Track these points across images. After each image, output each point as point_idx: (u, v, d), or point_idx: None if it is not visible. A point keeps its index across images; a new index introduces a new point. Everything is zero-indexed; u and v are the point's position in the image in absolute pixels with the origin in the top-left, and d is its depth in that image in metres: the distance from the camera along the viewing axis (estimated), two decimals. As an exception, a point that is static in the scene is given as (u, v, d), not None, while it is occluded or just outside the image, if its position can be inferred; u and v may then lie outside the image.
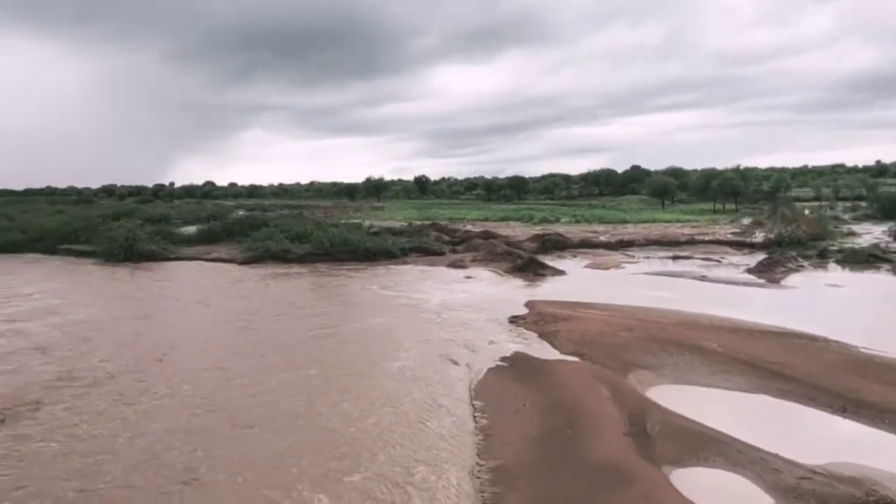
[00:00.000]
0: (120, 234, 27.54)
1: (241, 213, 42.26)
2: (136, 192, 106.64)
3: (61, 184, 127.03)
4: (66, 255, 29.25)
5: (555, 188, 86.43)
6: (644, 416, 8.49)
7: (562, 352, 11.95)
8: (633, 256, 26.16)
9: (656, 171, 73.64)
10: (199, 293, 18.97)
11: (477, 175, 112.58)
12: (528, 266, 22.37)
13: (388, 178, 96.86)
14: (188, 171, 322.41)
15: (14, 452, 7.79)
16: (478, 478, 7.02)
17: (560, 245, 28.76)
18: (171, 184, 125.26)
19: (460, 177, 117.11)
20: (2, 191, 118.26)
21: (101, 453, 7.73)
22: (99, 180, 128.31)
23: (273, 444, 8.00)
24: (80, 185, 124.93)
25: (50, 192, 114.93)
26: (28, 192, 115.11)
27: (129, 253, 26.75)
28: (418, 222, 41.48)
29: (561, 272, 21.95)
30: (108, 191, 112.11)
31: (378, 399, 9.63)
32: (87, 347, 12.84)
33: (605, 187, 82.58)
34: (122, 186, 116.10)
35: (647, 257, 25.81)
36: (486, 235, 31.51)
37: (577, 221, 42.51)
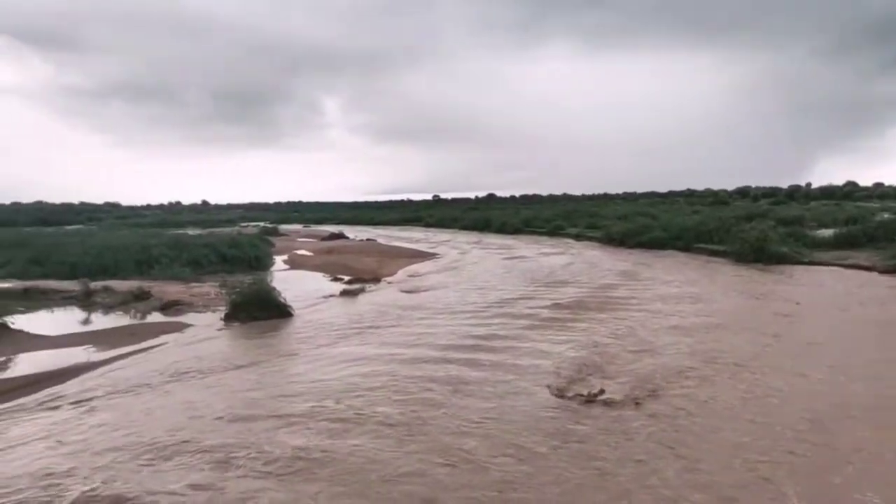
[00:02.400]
0: (751, 236, 27.84)
1: (885, 216, 37.74)
2: (770, 193, 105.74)
3: (699, 186, 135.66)
4: (699, 253, 31.17)
5: None
6: None
7: None
8: None
9: None
10: (831, 299, 17.76)
11: None
12: None
13: None
14: (827, 172, 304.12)
15: (685, 407, 8.87)
16: None
17: None
18: (808, 184, 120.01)
19: None
20: (648, 193, 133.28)
21: (764, 415, 8.48)
22: (734, 182, 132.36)
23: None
24: (715, 186, 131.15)
25: (689, 194, 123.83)
26: (670, 194, 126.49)
27: (759, 254, 26.79)
28: None
29: None
30: (742, 192, 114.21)
31: None
32: (720, 334, 13.53)
33: None
34: (756, 188, 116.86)
35: None
36: None
37: None
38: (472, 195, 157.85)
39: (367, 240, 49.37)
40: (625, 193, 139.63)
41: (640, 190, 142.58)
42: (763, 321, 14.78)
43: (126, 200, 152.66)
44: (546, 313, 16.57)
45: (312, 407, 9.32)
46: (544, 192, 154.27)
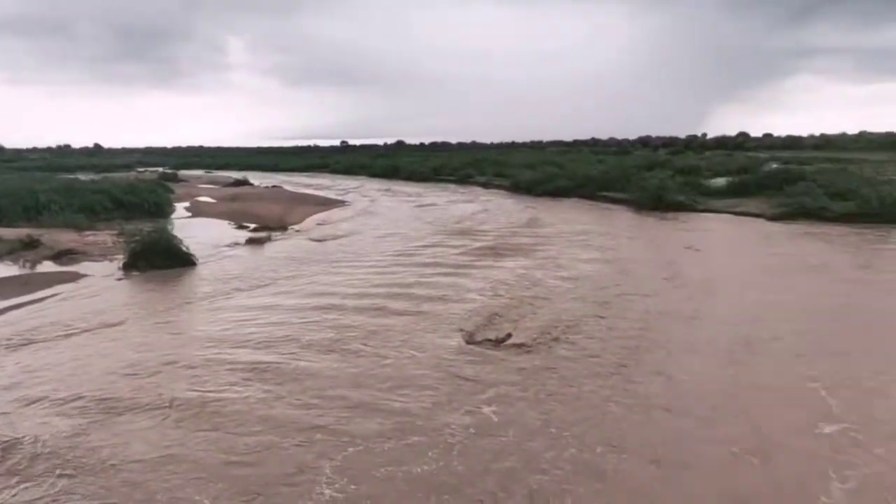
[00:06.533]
0: (651, 185, 28.96)
1: (774, 165, 39.91)
2: (669, 143, 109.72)
3: (603, 135, 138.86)
4: (601, 201, 32.09)
5: None
6: None
7: None
8: None
9: None
10: (724, 245, 18.87)
11: None
12: None
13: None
14: (721, 122, 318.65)
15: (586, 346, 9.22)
16: None
17: None
18: (704, 135, 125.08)
19: None
20: (554, 142, 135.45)
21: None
22: (636, 132, 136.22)
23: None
24: (618, 136, 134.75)
25: (593, 143, 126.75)
26: (575, 143, 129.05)
27: (658, 202, 27.90)
28: None
29: None
30: (644, 142, 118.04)
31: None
32: (621, 278, 14.09)
33: None
34: (657, 138, 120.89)
35: None
36: None
37: None
38: (381, 142, 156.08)
39: (273, 187, 48.11)
40: (532, 142, 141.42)
41: (546, 139, 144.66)
42: (663, 268, 15.49)
43: (10, 143, 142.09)
44: (457, 260, 16.77)
45: (213, 355, 9.19)
46: (453, 140, 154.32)
